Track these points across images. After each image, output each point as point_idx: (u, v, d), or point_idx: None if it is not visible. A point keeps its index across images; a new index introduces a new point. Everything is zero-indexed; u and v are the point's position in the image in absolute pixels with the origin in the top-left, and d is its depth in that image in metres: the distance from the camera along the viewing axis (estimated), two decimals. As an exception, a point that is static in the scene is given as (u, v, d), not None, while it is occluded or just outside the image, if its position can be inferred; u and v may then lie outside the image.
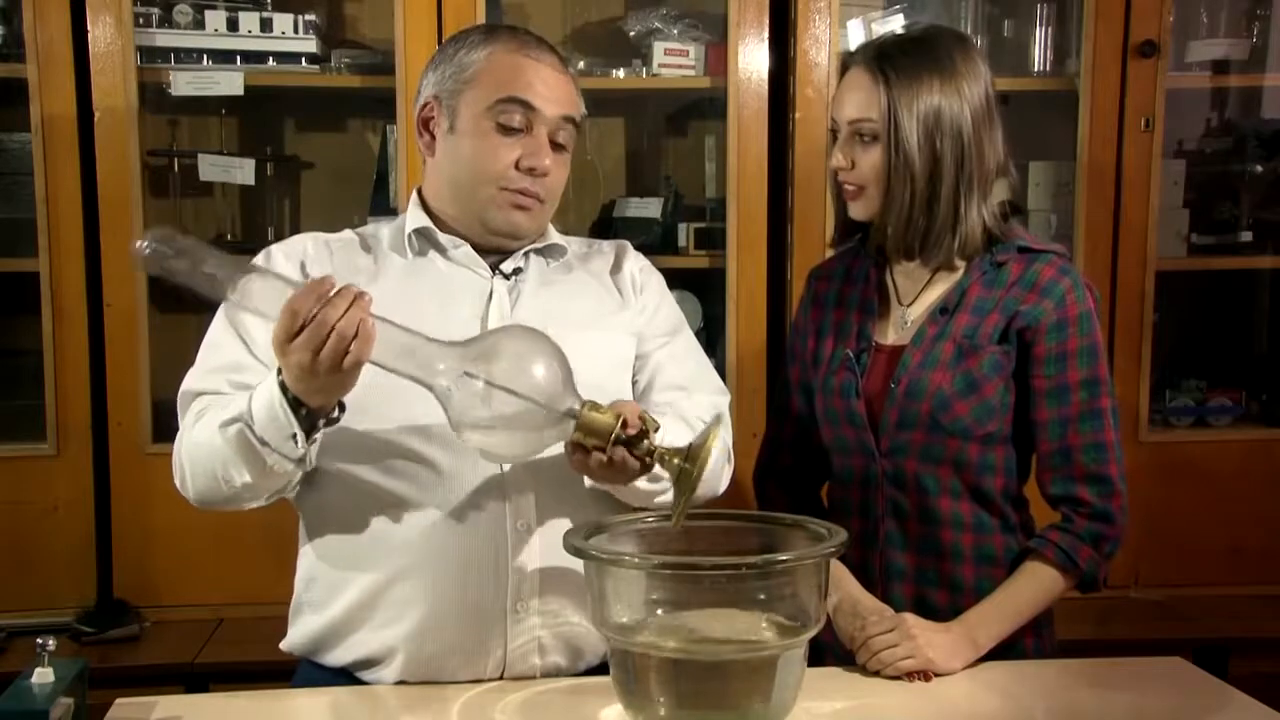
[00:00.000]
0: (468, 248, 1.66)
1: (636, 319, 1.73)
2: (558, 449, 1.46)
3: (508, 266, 1.67)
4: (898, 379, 1.68)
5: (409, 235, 1.67)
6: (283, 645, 1.66)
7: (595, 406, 1.40)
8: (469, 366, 1.37)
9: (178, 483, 1.57)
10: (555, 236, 1.73)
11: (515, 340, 1.41)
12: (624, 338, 1.70)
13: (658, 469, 1.43)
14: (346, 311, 1.33)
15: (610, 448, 1.39)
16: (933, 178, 1.65)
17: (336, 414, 1.46)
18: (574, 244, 1.76)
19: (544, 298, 1.67)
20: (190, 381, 1.59)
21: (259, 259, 1.65)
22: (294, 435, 1.42)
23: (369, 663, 1.59)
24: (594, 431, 1.39)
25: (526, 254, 1.69)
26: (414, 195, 1.71)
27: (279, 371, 1.40)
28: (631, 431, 1.39)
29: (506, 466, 1.56)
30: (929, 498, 1.69)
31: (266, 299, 1.36)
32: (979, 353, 1.66)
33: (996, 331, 1.66)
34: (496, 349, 1.39)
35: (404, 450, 1.56)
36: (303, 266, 1.64)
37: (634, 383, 1.70)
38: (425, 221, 1.67)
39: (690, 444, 1.40)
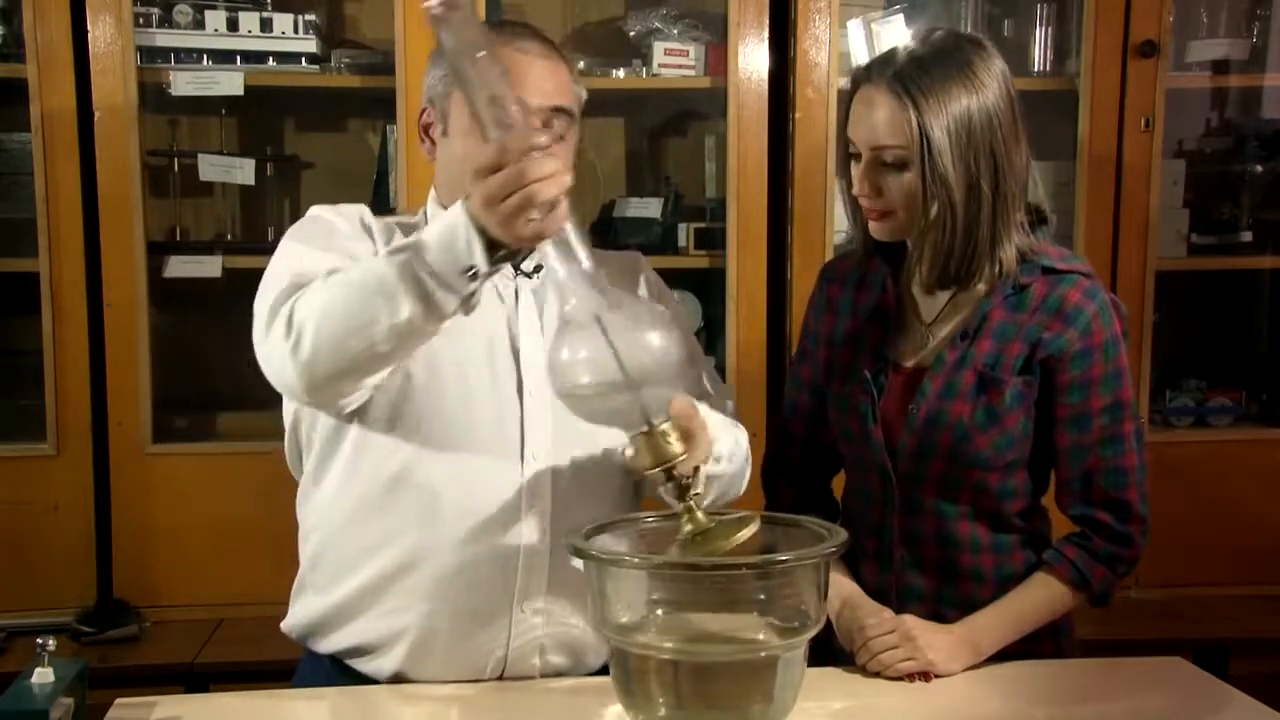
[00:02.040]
0: None
1: None
2: (588, 449, 1.51)
3: (528, 265, 1.66)
4: (917, 405, 1.64)
5: None
6: (283, 626, 1.66)
7: (668, 432, 1.35)
8: (604, 315, 1.30)
9: (288, 347, 1.40)
10: None
11: (655, 323, 1.35)
12: None
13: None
14: (547, 179, 1.26)
15: (655, 469, 1.36)
16: (969, 200, 1.57)
17: (523, 255, 1.39)
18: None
19: None
20: (279, 286, 1.46)
21: (314, 211, 1.65)
22: (469, 269, 1.32)
23: (367, 650, 1.59)
24: (653, 449, 1.35)
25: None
26: (431, 193, 1.70)
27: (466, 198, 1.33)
28: (679, 475, 1.37)
29: (527, 473, 1.56)
30: (946, 523, 1.65)
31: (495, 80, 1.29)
32: (1001, 386, 1.61)
33: (1019, 362, 1.61)
34: (636, 319, 1.33)
35: (434, 443, 1.55)
36: (361, 219, 1.63)
37: None
38: None
39: (719, 520, 1.38)
